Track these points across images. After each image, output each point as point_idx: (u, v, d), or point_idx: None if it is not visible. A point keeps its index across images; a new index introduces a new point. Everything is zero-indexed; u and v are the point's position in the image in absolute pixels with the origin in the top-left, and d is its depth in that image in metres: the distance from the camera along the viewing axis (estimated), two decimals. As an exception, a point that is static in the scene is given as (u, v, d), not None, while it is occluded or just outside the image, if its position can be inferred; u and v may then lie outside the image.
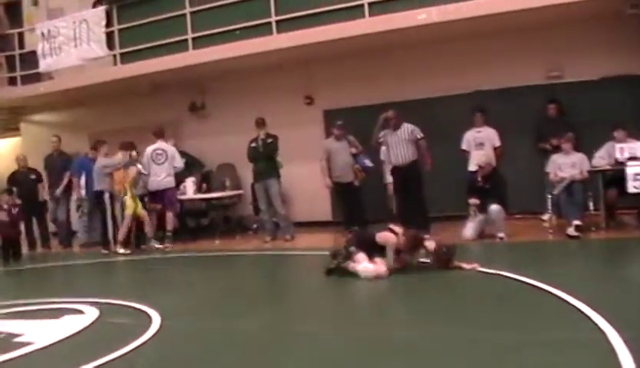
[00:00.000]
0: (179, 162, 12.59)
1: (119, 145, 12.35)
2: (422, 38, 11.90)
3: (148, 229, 12.23)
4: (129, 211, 11.88)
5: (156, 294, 7.84)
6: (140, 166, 12.08)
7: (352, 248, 7.57)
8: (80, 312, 6.65)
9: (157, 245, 12.11)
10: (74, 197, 13.88)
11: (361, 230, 8.38)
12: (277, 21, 12.26)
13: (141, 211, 12.05)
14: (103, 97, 15.11)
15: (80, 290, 8.42)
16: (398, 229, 7.64)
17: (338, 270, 7.56)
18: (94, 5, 14.66)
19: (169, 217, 12.36)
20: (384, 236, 7.56)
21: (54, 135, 14.15)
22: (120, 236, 11.91)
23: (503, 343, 4.64)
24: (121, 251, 11.75)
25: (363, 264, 7.37)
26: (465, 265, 7.52)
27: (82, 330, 5.95)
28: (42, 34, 14.78)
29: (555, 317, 5.21)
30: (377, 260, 7.43)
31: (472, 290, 6.85)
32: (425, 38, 11.91)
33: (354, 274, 7.42)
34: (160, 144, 12.50)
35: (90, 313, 6.54)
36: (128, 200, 11.90)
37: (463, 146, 11.52)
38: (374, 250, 7.54)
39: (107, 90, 14.46)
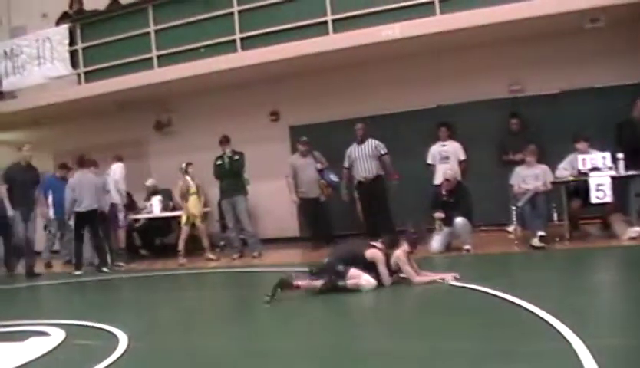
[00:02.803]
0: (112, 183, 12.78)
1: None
2: (386, 54, 11.99)
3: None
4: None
5: (124, 314, 7.79)
6: (188, 178, 12.29)
7: (340, 267, 7.38)
8: (46, 334, 6.52)
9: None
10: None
11: (342, 247, 8.12)
12: (241, 39, 12.28)
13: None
14: (67, 116, 14.95)
15: (47, 311, 8.33)
16: (378, 244, 7.64)
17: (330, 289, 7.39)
18: (57, 23, 14.53)
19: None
20: (372, 253, 7.49)
21: (28, 143, 12.88)
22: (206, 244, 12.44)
23: (470, 354, 4.68)
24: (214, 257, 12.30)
25: (365, 277, 7.29)
26: (442, 277, 7.55)
27: (48, 352, 5.83)
28: (5, 52, 14.62)
29: (521, 328, 5.26)
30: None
31: (439, 303, 6.91)
32: (389, 54, 12.00)
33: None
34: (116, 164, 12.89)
35: (57, 335, 6.41)
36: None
37: (429, 160, 11.63)
38: (362, 265, 7.44)
39: (72, 108, 14.30)
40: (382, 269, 7.43)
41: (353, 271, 7.33)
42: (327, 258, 7.63)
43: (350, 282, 7.32)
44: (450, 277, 7.44)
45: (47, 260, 13.45)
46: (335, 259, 7.54)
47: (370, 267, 7.45)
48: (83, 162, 12.37)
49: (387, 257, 7.51)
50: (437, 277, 7.48)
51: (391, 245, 7.61)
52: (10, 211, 12.07)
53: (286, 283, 7.34)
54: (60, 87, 14.21)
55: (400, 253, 7.50)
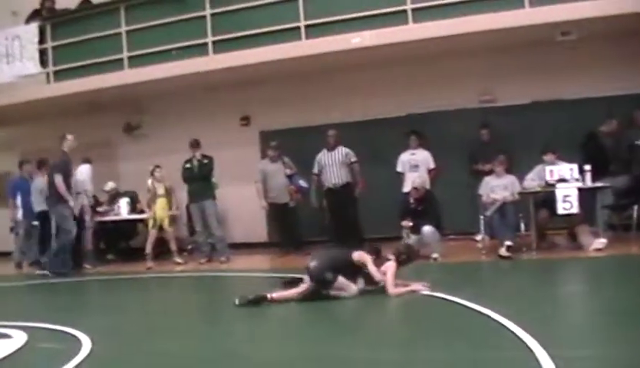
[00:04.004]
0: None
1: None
2: (358, 62, 12.02)
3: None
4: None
5: (88, 317, 7.68)
6: (155, 181, 12.22)
7: (329, 275, 7.19)
8: (8, 336, 6.39)
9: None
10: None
11: (326, 254, 7.78)
12: (214, 42, 12.23)
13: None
14: (35, 116, 14.76)
15: (9, 313, 8.17)
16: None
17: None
18: (27, 22, 14.36)
19: None
20: (360, 255, 7.35)
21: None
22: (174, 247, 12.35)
23: (435, 362, 4.69)
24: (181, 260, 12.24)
25: (352, 289, 7.22)
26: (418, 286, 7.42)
27: (9, 355, 5.70)
28: (-26, 51, 14.41)
29: (486, 337, 5.27)
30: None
31: (405, 311, 6.90)
32: (361, 61, 12.02)
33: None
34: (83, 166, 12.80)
35: (19, 338, 6.28)
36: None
37: (398, 168, 11.65)
38: (349, 271, 7.32)
39: (40, 108, 14.13)
40: (372, 268, 7.28)
41: (341, 281, 7.21)
42: (312, 263, 7.34)
43: (333, 292, 7.23)
44: (421, 287, 7.36)
45: (18, 260, 13.33)
46: (322, 266, 7.28)
47: (356, 271, 7.35)
48: (39, 166, 12.59)
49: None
50: (410, 289, 7.37)
51: (376, 253, 7.49)
52: (71, 202, 11.48)
53: (261, 298, 7.22)
54: (28, 86, 14.01)
55: (392, 264, 7.37)
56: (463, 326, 5.77)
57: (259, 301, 7.16)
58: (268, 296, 7.23)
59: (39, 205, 12.22)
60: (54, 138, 13.60)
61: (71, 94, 13.26)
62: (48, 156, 12.54)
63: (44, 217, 12.08)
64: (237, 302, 7.16)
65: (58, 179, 11.39)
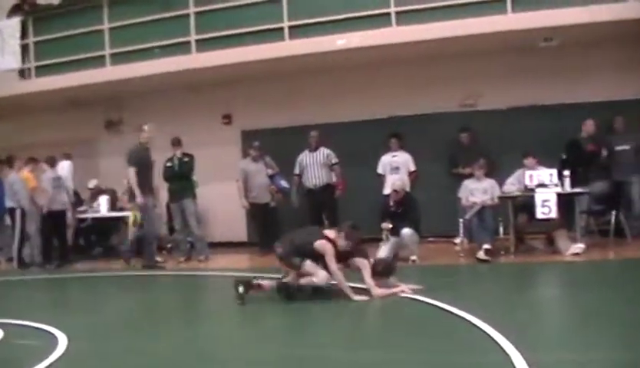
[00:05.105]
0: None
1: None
2: (341, 63, 12.06)
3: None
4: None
5: (65, 314, 7.63)
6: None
7: (297, 260, 7.20)
8: (-17, 333, 6.39)
9: None
10: None
11: (297, 236, 7.54)
12: (196, 41, 12.22)
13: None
14: (15, 111, 14.63)
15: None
16: (333, 235, 7.34)
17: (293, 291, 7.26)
18: (9, 16, 14.27)
19: None
20: (321, 245, 7.18)
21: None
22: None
23: (411, 364, 4.71)
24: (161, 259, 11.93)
25: (320, 276, 7.12)
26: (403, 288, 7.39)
27: (-16, 352, 5.69)
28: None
29: (462, 340, 5.28)
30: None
31: (383, 314, 6.92)
32: (344, 63, 12.06)
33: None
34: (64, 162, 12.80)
35: (-5, 334, 6.28)
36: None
37: (379, 170, 11.71)
38: (311, 258, 7.21)
39: (20, 103, 14.04)
40: (328, 263, 7.14)
41: (309, 265, 7.18)
42: (279, 250, 7.38)
43: (303, 281, 7.24)
44: (407, 290, 7.35)
45: None
46: (289, 251, 7.30)
47: (318, 259, 7.23)
48: (9, 162, 12.64)
49: (337, 249, 7.21)
50: (395, 291, 7.36)
51: (352, 238, 7.30)
52: (139, 199, 11.17)
53: (246, 282, 7.28)
54: (9, 81, 13.89)
55: (366, 262, 7.31)
56: (440, 329, 5.80)
57: (248, 286, 7.25)
58: (254, 281, 7.34)
59: (9, 200, 12.18)
60: (34, 134, 13.61)
61: (53, 90, 13.19)
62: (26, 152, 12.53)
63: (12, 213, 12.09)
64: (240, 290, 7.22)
65: (131, 172, 11.22)
